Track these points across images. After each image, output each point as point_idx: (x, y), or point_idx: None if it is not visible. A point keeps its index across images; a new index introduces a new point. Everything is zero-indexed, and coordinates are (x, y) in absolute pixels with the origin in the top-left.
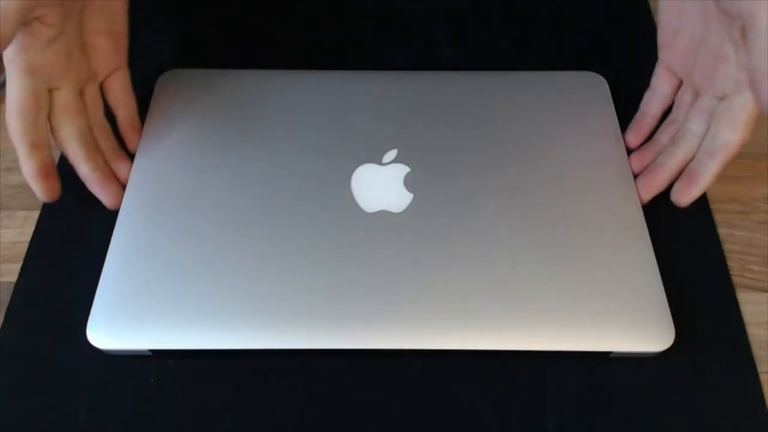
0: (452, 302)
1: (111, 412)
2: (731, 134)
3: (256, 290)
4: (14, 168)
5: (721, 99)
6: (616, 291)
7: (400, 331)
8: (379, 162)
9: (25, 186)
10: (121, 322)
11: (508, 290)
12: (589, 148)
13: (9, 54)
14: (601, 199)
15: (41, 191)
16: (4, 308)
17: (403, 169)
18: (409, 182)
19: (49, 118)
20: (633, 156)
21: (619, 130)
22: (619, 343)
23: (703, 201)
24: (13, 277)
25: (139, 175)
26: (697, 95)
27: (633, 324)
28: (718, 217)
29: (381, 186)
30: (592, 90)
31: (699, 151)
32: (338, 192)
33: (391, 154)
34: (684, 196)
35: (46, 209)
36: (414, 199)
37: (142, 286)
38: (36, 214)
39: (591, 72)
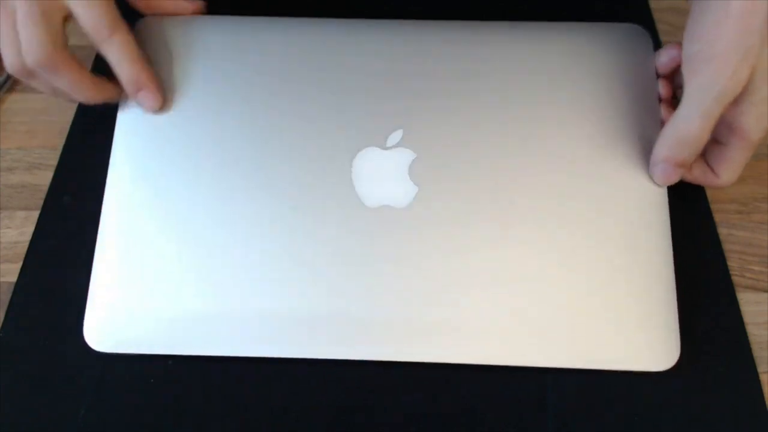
0: (456, 312)
1: (111, 412)
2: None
3: (249, 297)
4: (14, 168)
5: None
6: (628, 310)
7: (399, 345)
8: (383, 146)
9: (25, 186)
10: (117, 327)
11: (519, 302)
12: (626, 138)
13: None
14: (630, 206)
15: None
16: (4, 308)
17: (408, 156)
18: (414, 171)
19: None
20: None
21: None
22: (624, 364)
23: (703, 201)
24: (13, 277)
25: (119, 173)
26: None
27: (641, 344)
28: (718, 217)
29: (384, 177)
30: (632, 47)
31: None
32: (338, 182)
33: (396, 136)
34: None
35: (46, 209)
36: (419, 191)
37: (134, 290)
38: (36, 214)
39: (632, 24)
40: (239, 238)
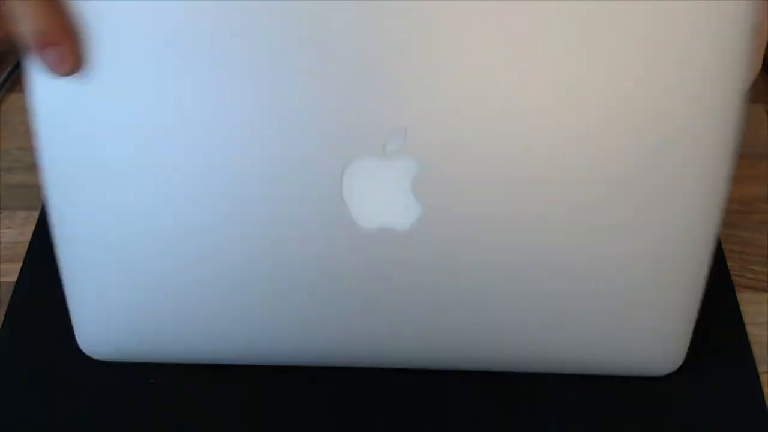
0: (458, 316)
1: (111, 412)
2: None
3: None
4: (14, 168)
5: None
6: (641, 315)
7: (399, 352)
8: (380, 153)
9: (25, 186)
10: (110, 336)
11: (522, 307)
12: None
13: None
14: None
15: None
16: (4, 308)
17: (411, 166)
18: (418, 185)
19: None
20: None
21: None
22: (628, 369)
23: None
24: (13, 277)
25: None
26: None
27: (648, 349)
28: None
29: (381, 193)
30: None
31: None
32: (326, 199)
33: (397, 141)
34: None
35: (46, 209)
36: (424, 210)
37: (123, 297)
38: (36, 214)
39: None
40: (208, 264)
